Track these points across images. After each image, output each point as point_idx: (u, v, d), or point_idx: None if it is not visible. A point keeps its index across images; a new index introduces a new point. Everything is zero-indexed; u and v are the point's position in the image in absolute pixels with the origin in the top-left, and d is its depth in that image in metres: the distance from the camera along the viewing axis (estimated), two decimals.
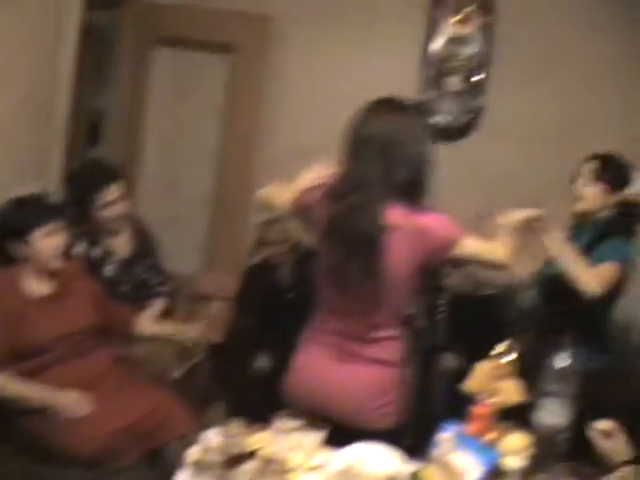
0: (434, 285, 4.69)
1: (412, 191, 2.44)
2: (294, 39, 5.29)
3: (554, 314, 3.25)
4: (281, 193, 2.68)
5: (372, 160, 2.40)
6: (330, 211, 2.44)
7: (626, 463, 2.27)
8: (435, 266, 2.51)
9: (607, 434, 2.29)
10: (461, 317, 4.58)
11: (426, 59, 5.22)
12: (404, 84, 5.20)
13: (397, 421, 2.56)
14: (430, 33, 5.20)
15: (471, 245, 2.50)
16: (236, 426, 2.13)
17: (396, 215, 2.40)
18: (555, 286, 3.16)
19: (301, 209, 2.59)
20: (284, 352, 4.23)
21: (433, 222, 2.46)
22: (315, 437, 2.18)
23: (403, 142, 2.42)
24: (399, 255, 2.42)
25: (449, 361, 4.47)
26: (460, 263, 4.71)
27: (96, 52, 5.12)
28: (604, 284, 2.97)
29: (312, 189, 2.54)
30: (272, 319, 4.42)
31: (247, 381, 4.34)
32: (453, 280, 4.78)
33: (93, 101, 5.30)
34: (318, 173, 2.61)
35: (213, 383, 4.05)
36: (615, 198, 3.25)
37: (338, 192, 2.44)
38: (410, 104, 2.57)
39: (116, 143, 5.32)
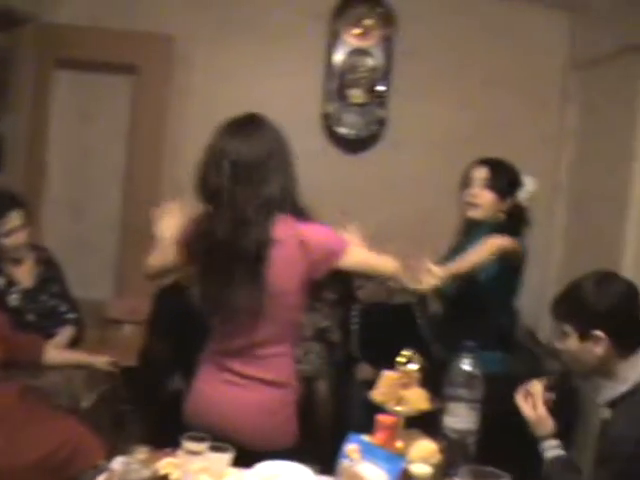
0: (347, 297, 4.71)
1: (284, 206, 2.45)
2: (197, 58, 5.27)
3: (456, 320, 3.31)
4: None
5: (239, 180, 2.42)
6: (209, 236, 2.43)
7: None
8: (320, 278, 2.49)
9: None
10: (374, 327, 4.61)
11: (329, 72, 5.26)
12: (308, 97, 5.25)
13: (295, 440, 2.56)
14: (332, 46, 5.25)
15: (358, 256, 2.53)
16: (142, 452, 2.09)
17: (280, 229, 2.42)
18: (456, 293, 3.24)
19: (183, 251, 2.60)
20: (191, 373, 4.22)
21: (316, 234, 2.47)
22: (223, 458, 2.15)
23: (265, 160, 2.45)
24: (284, 269, 2.43)
25: (365, 372, 4.49)
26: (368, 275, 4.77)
27: None
28: (495, 250, 3.13)
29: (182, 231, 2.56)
30: (185, 340, 4.38)
31: (163, 404, 4.29)
32: (367, 291, 4.81)
33: None
34: (174, 217, 2.66)
35: (128, 409, 3.98)
36: (507, 204, 3.38)
37: (213, 217, 2.44)
38: (268, 121, 2.57)
39: (19, 169, 5.19)
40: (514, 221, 3.39)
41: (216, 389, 2.57)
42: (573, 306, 2.39)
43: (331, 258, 2.48)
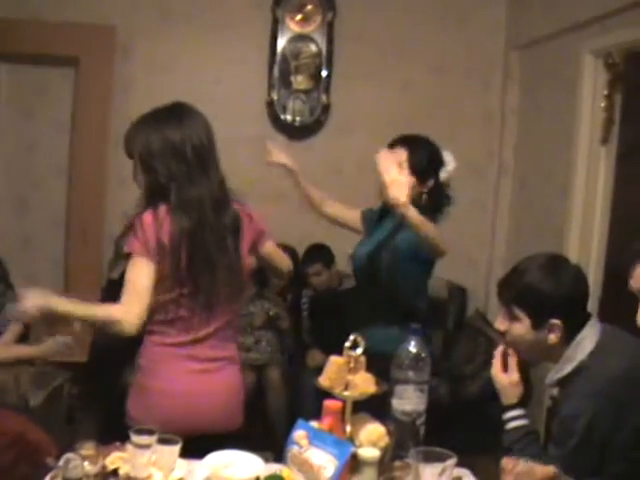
0: (296, 284, 4.72)
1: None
2: (139, 49, 5.24)
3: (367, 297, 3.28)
4: None
5: (205, 163, 2.52)
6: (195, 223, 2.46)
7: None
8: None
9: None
10: (324, 313, 4.64)
11: (272, 59, 5.25)
12: (253, 85, 5.25)
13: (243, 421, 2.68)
14: (275, 33, 5.24)
15: (271, 247, 2.74)
16: (87, 448, 2.07)
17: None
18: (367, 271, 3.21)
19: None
20: None
21: (256, 212, 2.66)
22: (172, 450, 2.15)
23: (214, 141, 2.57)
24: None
25: (315, 358, 4.51)
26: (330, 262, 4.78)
27: None
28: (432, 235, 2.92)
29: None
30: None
31: (114, 399, 4.26)
32: (321, 278, 4.82)
33: None
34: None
35: (79, 405, 3.95)
36: (428, 186, 3.17)
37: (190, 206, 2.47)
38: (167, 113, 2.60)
39: None
40: (434, 201, 3.17)
41: (189, 384, 2.55)
42: (525, 294, 2.35)
43: (260, 238, 2.67)
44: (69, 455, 2.04)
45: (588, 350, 2.28)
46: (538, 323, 2.32)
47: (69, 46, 5.10)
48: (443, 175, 3.22)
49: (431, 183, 3.17)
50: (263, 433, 4.05)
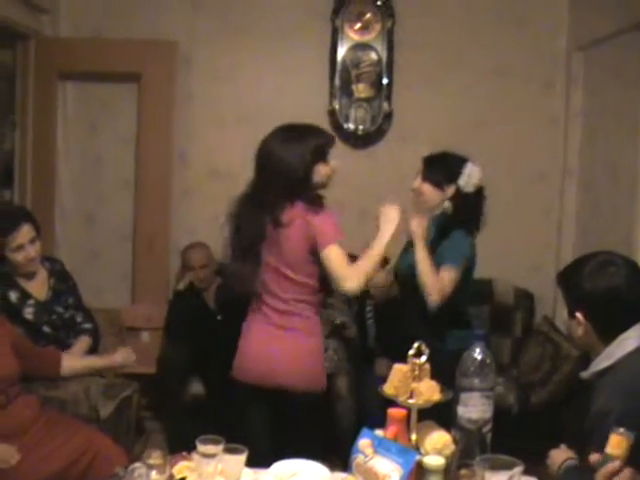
0: (361, 294, 4.71)
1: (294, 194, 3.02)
2: (200, 62, 5.31)
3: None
4: None
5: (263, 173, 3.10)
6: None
7: None
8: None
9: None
10: (388, 321, 4.61)
11: (333, 68, 5.26)
12: (314, 94, 5.26)
13: (324, 386, 3.17)
14: (335, 42, 5.25)
15: (331, 254, 2.98)
16: (155, 457, 2.10)
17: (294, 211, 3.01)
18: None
19: None
20: (217, 376, 4.23)
21: (320, 220, 3.00)
22: (238, 459, 2.16)
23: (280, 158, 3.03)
24: (296, 241, 3.02)
25: (383, 367, 4.48)
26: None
27: (4, 94, 5.05)
28: (444, 294, 3.24)
29: None
30: (202, 344, 4.40)
31: (183, 409, 4.31)
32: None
33: (3, 143, 5.22)
34: None
35: (147, 415, 4.00)
36: (449, 193, 3.42)
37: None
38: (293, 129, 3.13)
39: (29, 182, 5.23)
40: (462, 211, 3.42)
41: (268, 339, 3.12)
42: (564, 282, 2.42)
43: (320, 242, 2.99)
44: (135, 464, 2.07)
45: (628, 350, 2.26)
46: (569, 312, 2.38)
47: (132, 62, 5.20)
48: (467, 186, 3.41)
49: (451, 191, 3.41)
50: (330, 441, 4.04)
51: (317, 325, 3.17)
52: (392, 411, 2.21)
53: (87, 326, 3.82)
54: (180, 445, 2.38)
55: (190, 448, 2.24)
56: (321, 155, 3.09)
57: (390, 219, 3.11)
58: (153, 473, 2.04)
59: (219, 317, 4.53)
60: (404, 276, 3.52)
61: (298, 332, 3.10)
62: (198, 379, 4.42)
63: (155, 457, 2.10)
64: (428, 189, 3.43)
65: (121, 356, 3.58)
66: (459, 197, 3.41)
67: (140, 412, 3.88)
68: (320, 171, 3.09)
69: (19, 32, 5.04)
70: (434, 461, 2.09)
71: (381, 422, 2.29)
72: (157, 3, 5.28)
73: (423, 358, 2.27)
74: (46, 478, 2.89)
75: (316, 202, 3.05)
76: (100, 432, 3.19)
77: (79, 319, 3.81)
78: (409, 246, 3.50)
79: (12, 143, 5.36)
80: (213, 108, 5.31)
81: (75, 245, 5.23)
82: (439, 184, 3.42)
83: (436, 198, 3.43)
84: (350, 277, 2.97)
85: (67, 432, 3.13)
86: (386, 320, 4.65)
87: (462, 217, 3.41)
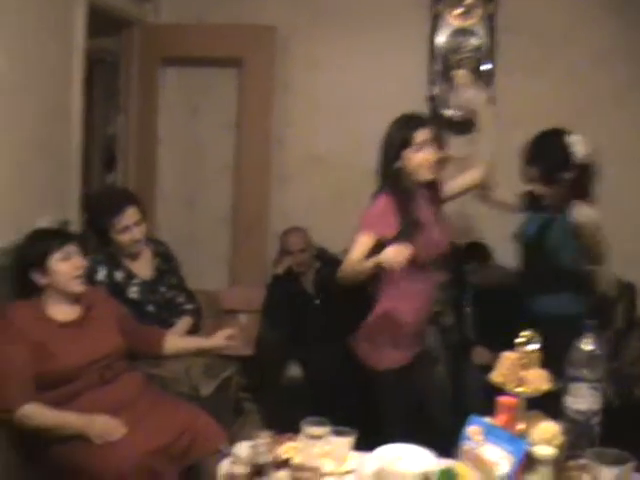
0: (458, 281, 4.67)
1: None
2: (299, 48, 5.31)
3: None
4: None
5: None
6: None
7: None
8: None
9: None
10: (488, 309, 4.56)
11: (433, 54, 5.21)
12: (413, 81, 5.21)
13: None
14: (434, 27, 5.19)
15: (354, 247, 3.15)
16: (265, 437, 2.12)
17: None
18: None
19: None
20: (315, 359, 4.27)
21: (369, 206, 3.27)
22: (345, 442, 2.17)
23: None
24: None
25: (481, 355, 4.44)
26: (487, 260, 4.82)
27: (105, 79, 5.16)
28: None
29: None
30: (300, 327, 4.43)
31: (280, 391, 4.35)
32: (477, 275, 4.77)
33: (107, 127, 5.34)
34: None
35: (246, 396, 4.05)
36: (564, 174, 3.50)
37: None
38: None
39: (131, 166, 5.34)
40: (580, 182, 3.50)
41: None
42: None
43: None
44: (252, 443, 2.09)
45: None
46: None
47: (233, 47, 5.24)
48: (578, 158, 3.50)
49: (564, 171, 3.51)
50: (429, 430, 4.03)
51: None
52: (503, 399, 2.18)
53: (189, 306, 3.89)
54: (276, 427, 2.40)
55: (286, 430, 2.26)
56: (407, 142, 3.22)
57: (388, 256, 3.03)
58: (265, 451, 2.06)
59: (317, 301, 4.56)
60: (529, 241, 3.67)
61: None
62: (295, 362, 4.46)
63: (264, 437, 2.12)
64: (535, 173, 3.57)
65: (224, 338, 3.62)
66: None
67: (238, 393, 3.92)
68: (408, 157, 3.14)
69: (123, 19, 5.15)
70: (544, 451, 2.06)
71: (479, 411, 2.26)
72: None
73: (532, 346, 2.23)
74: (150, 453, 2.92)
75: (382, 188, 3.27)
76: (201, 410, 3.24)
77: (181, 299, 3.88)
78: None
79: (115, 127, 5.49)
80: (310, 94, 5.32)
81: (175, 228, 5.31)
82: (547, 174, 3.54)
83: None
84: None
85: (170, 409, 3.19)
86: (484, 307, 4.61)
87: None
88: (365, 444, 2.27)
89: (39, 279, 3.16)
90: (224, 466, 2.21)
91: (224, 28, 5.21)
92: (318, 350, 4.30)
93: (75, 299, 3.23)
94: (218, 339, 3.62)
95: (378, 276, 3.17)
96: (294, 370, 4.46)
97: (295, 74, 5.33)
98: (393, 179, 3.23)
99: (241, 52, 5.24)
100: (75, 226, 4.19)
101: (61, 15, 4.16)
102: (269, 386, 4.39)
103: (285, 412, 3.92)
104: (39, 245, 3.20)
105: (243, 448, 2.16)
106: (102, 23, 4.71)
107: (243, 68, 5.27)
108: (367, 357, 3.33)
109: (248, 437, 2.24)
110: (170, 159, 5.51)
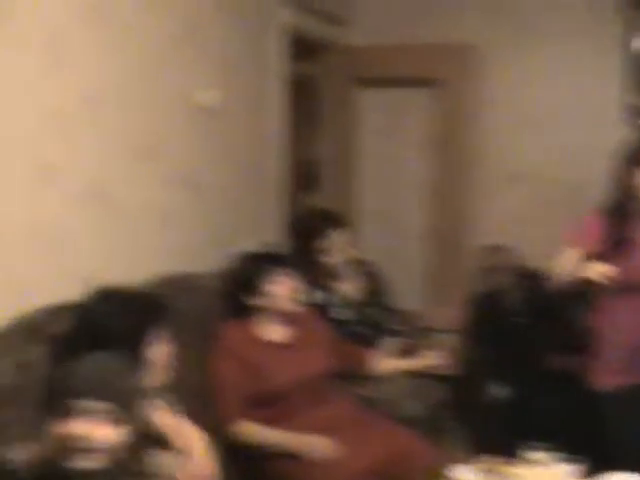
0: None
1: None
2: (497, 65, 5.25)
3: None
4: None
5: None
6: None
7: None
8: None
9: None
10: None
11: (629, 60, 4.99)
12: (608, 91, 5.02)
13: None
14: (628, 35, 4.98)
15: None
16: (485, 461, 2.10)
17: None
18: None
19: None
20: (521, 379, 4.16)
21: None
22: (568, 470, 2.11)
23: None
24: None
25: None
26: None
27: (305, 103, 5.29)
28: None
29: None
30: (505, 346, 4.35)
31: (485, 412, 4.28)
32: None
33: (308, 150, 5.47)
34: None
35: (451, 416, 4.01)
36: None
37: None
38: None
39: (332, 188, 5.44)
40: None
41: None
42: None
43: None
44: (471, 468, 2.08)
45: None
46: None
47: (427, 67, 5.30)
48: None
49: None
50: None
51: None
52: None
53: (396, 327, 3.90)
54: (482, 447, 2.36)
55: (492, 451, 2.22)
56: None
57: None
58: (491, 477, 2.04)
59: (521, 319, 4.47)
60: None
61: None
62: (500, 381, 4.37)
63: (484, 461, 2.10)
64: None
65: (434, 358, 3.61)
66: None
67: (444, 411, 3.90)
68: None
69: (320, 44, 5.28)
70: None
71: None
72: (450, 7, 5.31)
73: None
74: (362, 473, 2.95)
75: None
76: (413, 432, 3.23)
77: (388, 320, 3.90)
78: None
79: (315, 150, 5.61)
80: (510, 111, 5.25)
81: (373, 245, 5.36)
82: None
83: None
84: None
85: (379, 430, 3.20)
86: None
87: None
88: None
89: (251, 301, 3.26)
90: None
91: (418, 48, 5.26)
92: (524, 370, 4.21)
93: (288, 320, 3.31)
94: (429, 359, 3.61)
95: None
96: (499, 390, 4.37)
97: (493, 91, 5.27)
98: (619, 195, 3.12)
99: (435, 72, 5.27)
100: (277, 249, 4.31)
101: (261, 43, 4.33)
102: (474, 406, 4.33)
103: (489, 432, 3.86)
104: (253, 268, 3.30)
105: (465, 473, 2.15)
106: (302, 48, 4.85)
107: (442, 87, 5.29)
108: (592, 377, 3.21)
109: (461, 460, 2.22)
110: (369, 177, 5.59)
